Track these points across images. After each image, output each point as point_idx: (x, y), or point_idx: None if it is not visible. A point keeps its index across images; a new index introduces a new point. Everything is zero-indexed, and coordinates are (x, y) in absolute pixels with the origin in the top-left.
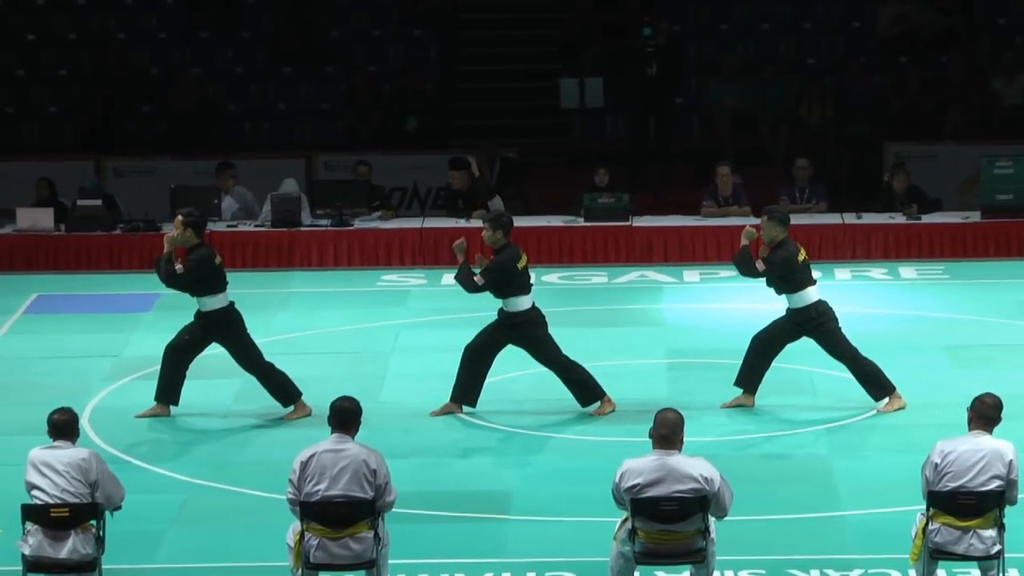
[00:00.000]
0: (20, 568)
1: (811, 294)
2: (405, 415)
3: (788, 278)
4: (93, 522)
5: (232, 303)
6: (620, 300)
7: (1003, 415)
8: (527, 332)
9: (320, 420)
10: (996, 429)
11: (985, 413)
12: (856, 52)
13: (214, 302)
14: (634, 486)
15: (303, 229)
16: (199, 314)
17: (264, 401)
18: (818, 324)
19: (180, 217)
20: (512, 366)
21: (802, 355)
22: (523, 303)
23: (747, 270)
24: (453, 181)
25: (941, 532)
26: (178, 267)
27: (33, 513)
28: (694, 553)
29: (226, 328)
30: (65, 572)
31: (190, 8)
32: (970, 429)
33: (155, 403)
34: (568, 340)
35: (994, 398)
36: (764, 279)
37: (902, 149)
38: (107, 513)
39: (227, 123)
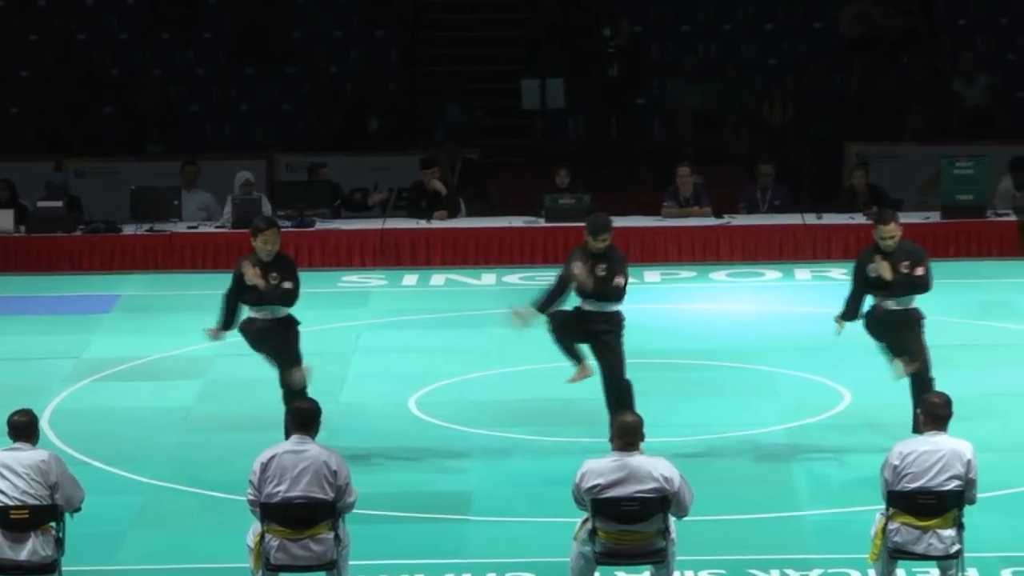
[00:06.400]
0: None
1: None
2: (366, 416)
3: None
4: (53, 524)
5: None
6: None
7: (962, 414)
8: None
9: (280, 422)
10: (954, 429)
11: (935, 413)
12: (817, 53)
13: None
14: (595, 486)
15: None
16: (273, 322)
17: (225, 403)
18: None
19: (273, 229)
20: (473, 367)
21: (763, 356)
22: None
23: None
24: (424, 179)
25: (901, 532)
26: (286, 285)
27: None
28: (654, 553)
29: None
30: (25, 574)
31: (151, 9)
32: (925, 431)
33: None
34: (530, 341)
35: (942, 397)
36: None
37: (863, 150)
38: (67, 515)
39: (188, 124)
